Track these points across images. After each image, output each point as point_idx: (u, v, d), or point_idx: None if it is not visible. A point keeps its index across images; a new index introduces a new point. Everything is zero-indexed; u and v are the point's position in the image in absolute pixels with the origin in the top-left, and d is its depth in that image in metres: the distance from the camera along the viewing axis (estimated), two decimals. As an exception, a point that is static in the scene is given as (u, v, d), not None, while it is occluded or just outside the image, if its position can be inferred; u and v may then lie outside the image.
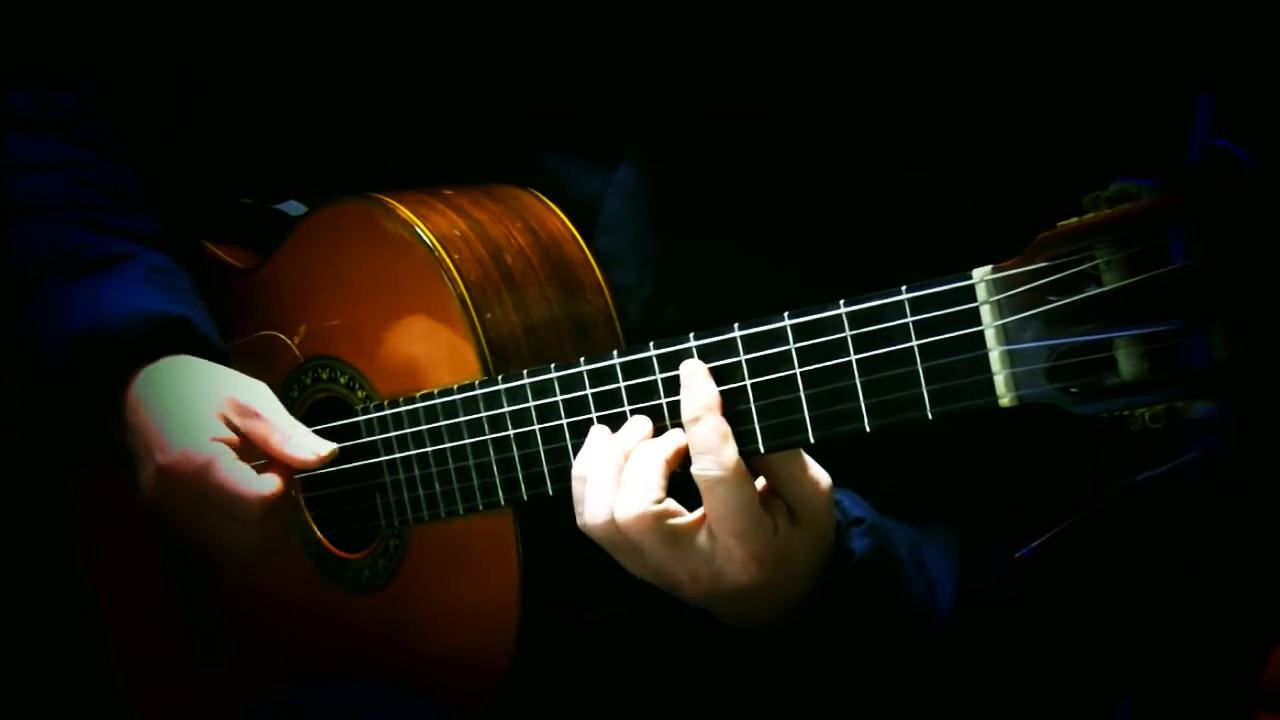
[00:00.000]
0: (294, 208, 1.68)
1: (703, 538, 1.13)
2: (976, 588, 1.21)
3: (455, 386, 1.30)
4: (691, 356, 1.15)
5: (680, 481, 1.15)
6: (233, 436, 1.34)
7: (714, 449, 1.11)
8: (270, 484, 1.31)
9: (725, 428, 1.11)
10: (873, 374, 1.06)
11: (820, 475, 1.15)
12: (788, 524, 1.14)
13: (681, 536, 1.13)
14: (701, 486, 1.12)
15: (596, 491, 1.15)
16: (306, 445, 1.33)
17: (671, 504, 1.13)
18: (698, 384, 1.13)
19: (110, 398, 1.40)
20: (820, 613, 1.18)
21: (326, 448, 1.34)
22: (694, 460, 1.12)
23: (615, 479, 1.15)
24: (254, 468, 1.33)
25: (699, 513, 1.13)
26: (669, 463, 1.14)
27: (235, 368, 1.46)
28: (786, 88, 1.28)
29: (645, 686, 1.38)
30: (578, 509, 1.17)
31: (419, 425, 1.33)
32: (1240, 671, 1.19)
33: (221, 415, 1.34)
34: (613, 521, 1.14)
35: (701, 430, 1.12)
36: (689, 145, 1.32)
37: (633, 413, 1.19)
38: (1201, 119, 1.13)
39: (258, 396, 1.35)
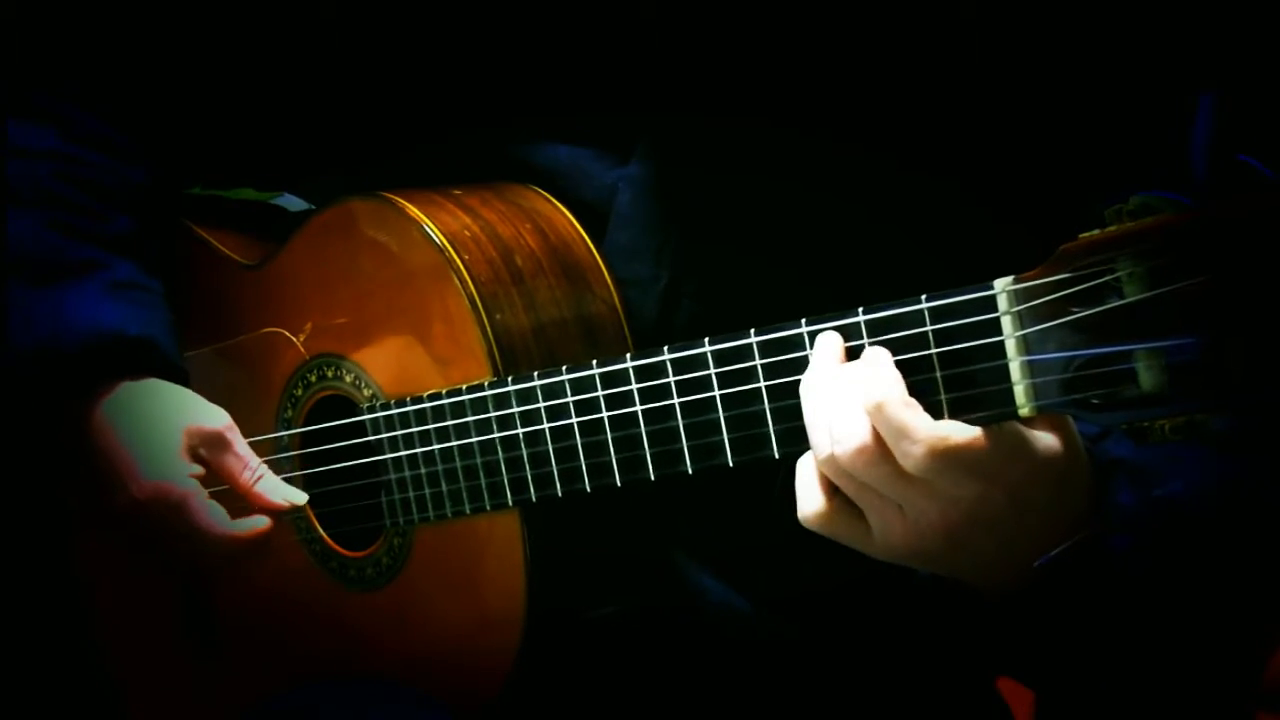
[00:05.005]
0: (292, 202, 1.67)
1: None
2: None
3: (464, 387, 1.30)
4: (706, 360, 1.15)
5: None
6: (202, 470, 1.37)
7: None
8: (242, 526, 1.35)
9: (900, 420, 1.02)
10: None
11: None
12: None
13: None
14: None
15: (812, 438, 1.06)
16: (278, 491, 1.37)
17: None
18: (882, 367, 1.04)
19: (72, 412, 1.40)
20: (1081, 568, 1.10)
21: (299, 498, 1.38)
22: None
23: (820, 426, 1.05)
24: (226, 503, 1.36)
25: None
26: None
27: (240, 364, 1.47)
28: (803, 88, 1.29)
29: (646, 686, 1.39)
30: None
31: (426, 424, 1.33)
32: (1240, 671, 1.20)
33: (190, 446, 1.37)
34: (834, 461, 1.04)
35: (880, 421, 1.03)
36: (702, 141, 1.32)
37: (645, 415, 1.19)
38: (1202, 119, 1.14)
39: (225, 428, 1.38)
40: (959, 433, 1.02)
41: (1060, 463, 1.07)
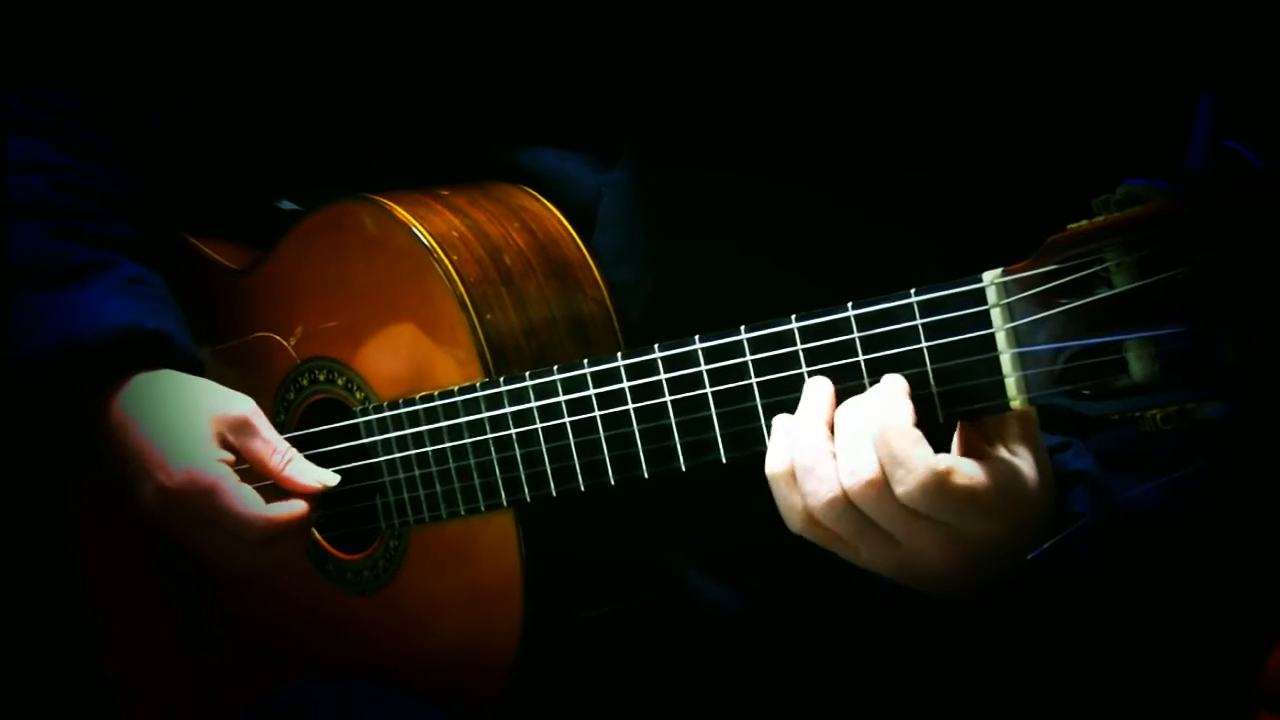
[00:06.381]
0: (288, 206, 1.67)
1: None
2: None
3: (456, 388, 1.29)
4: (697, 357, 1.15)
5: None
6: (231, 456, 1.35)
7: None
8: (278, 509, 1.34)
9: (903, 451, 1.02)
10: (882, 376, 1.06)
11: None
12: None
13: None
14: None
15: (817, 474, 1.05)
16: (309, 473, 1.36)
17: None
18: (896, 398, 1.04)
19: (89, 409, 1.40)
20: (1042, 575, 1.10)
21: (332, 478, 1.36)
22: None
23: (830, 456, 1.05)
24: (259, 491, 1.34)
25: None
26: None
27: (231, 369, 1.46)
28: (786, 87, 1.28)
29: (644, 685, 1.39)
30: (801, 499, 1.06)
31: (419, 426, 1.33)
32: (1240, 671, 1.20)
33: (218, 434, 1.36)
34: (844, 498, 1.04)
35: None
36: (686, 144, 1.32)
37: (638, 413, 1.19)
38: (1202, 118, 1.14)
39: (251, 413, 1.37)
40: (964, 468, 1.02)
41: (1044, 484, 1.08)
